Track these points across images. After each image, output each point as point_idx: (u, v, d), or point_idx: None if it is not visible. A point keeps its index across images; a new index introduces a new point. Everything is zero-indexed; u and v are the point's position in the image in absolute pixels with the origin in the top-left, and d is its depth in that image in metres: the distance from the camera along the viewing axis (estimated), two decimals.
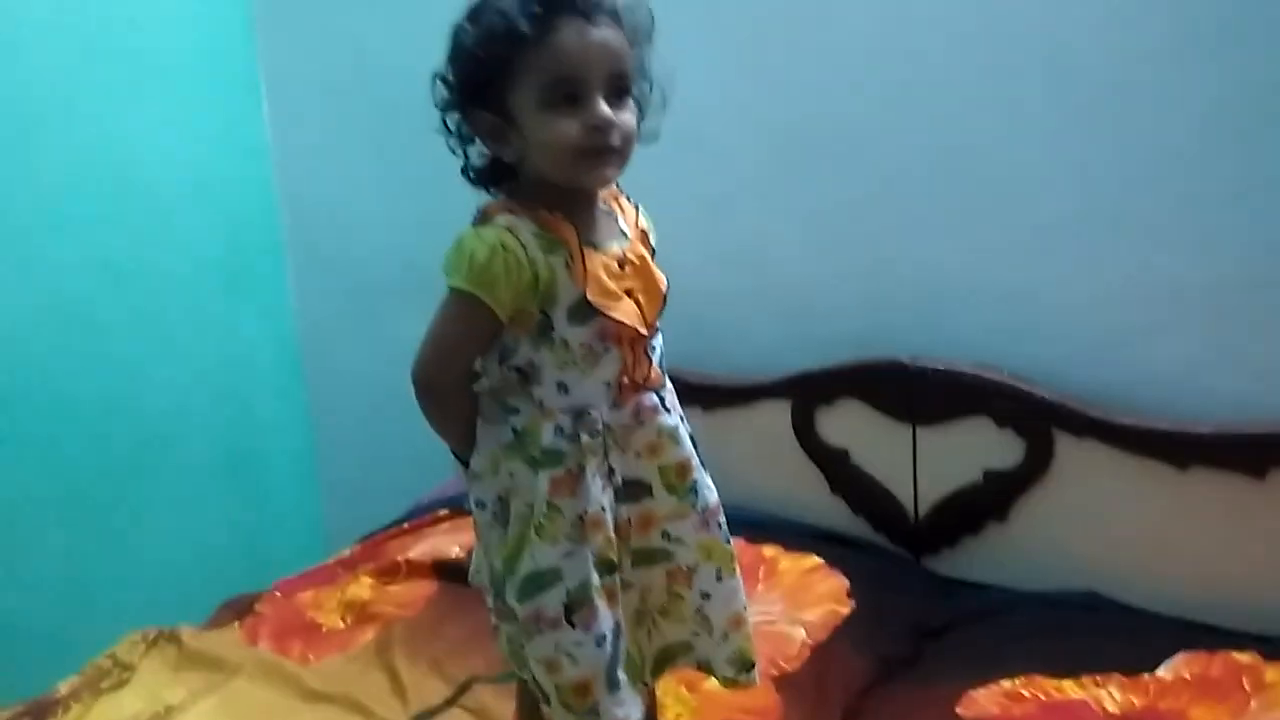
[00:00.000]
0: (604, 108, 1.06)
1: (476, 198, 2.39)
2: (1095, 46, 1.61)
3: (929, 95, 1.75)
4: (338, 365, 2.63)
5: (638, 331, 1.13)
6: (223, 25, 2.43)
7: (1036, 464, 1.71)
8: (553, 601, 1.13)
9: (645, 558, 1.20)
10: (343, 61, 2.41)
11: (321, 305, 2.62)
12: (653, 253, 1.19)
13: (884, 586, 1.76)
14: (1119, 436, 1.63)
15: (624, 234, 1.17)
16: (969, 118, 1.72)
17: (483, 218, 1.14)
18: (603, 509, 1.14)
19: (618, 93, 1.08)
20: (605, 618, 1.14)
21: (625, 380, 1.14)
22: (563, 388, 1.12)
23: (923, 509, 1.83)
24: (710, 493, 1.21)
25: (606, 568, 1.15)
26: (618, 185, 1.20)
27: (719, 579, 1.20)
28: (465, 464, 1.21)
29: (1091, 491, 1.68)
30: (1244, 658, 1.48)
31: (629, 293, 1.13)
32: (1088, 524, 1.69)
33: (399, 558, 1.98)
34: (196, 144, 2.37)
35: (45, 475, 2.13)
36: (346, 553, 2.08)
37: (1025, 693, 1.49)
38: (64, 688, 1.63)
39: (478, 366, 1.17)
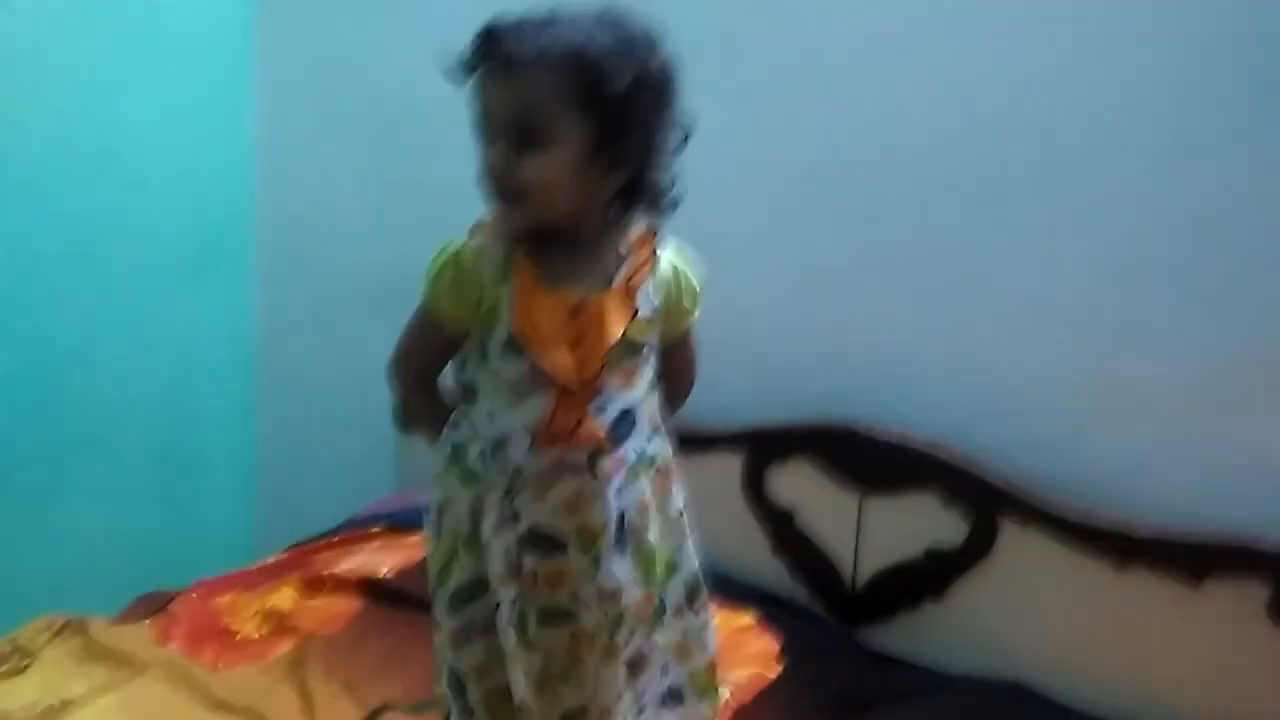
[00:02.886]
0: (494, 154, 1.06)
1: (455, 216, 2.39)
2: (1087, 145, 1.63)
3: (916, 172, 1.76)
4: (291, 368, 2.59)
5: (565, 383, 1.11)
6: (224, 13, 2.40)
7: (979, 546, 1.70)
8: (483, 611, 1.16)
9: (550, 617, 1.15)
10: (338, 65, 2.40)
11: (283, 306, 2.58)
12: (635, 313, 1.14)
13: (814, 654, 1.73)
14: (1062, 528, 1.63)
15: (607, 281, 1.13)
16: (954, 198, 1.74)
17: (471, 230, 1.14)
18: (486, 546, 1.14)
19: (524, 141, 1.05)
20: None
21: (542, 430, 1.11)
22: (490, 416, 1.13)
23: (861, 579, 1.81)
24: (612, 580, 1.14)
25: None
26: (655, 236, 1.19)
27: (600, 661, 1.17)
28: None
29: (1030, 580, 1.67)
30: None
31: (575, 342, 1.11)
32: (1023, 612, 1.68)
33: (325, 571, 1.93)
34: (180, 126, 2.34)
35: None
36: (271, 560, 2.03)
37: None
38: None
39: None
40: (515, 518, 1.13)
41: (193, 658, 1.66)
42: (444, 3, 2.17)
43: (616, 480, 1.14)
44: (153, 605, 1.81)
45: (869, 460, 1.78)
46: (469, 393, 1.15)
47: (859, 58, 1.79)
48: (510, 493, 1.12)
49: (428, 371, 1.21)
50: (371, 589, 1.88)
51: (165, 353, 2.40)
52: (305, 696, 1.59)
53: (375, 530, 2.09)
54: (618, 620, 1.15)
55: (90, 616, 1.72)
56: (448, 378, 1.21)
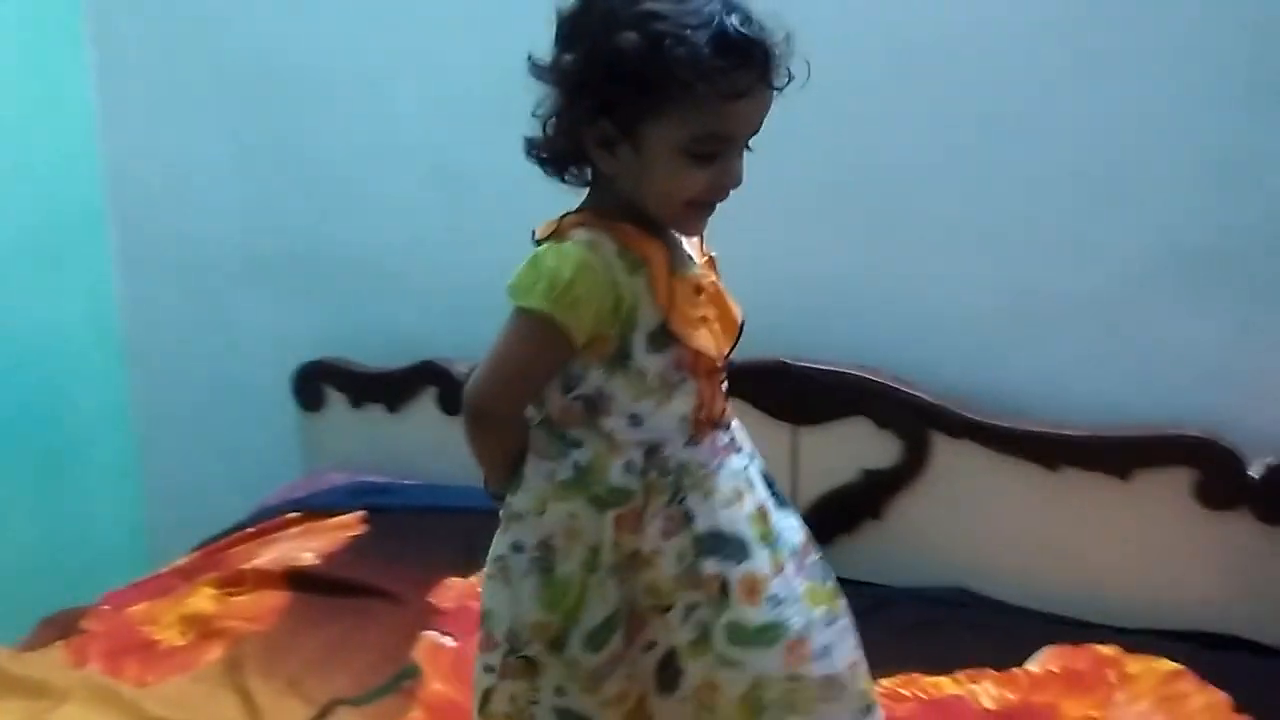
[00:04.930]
0: (739, 168, 1.02)
1: (335, 179, 2.21)
2: (994, 62, 1.63)
3: (828, 95, 1.73)
4: (165, 354, 2.41)
5: (714, 363, 1.07)
6: None
7: (913, 463, 1.73)
8: (622, 639, 1.08)
9: (752, 639, 1.06)
10: (180, 20, 2.20)
11: (147, 288, 2.38)
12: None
13: None
14: (994, 438, 1.67)
15: (692, 259, 1.10)
16: (864, 122, 1.72)
17: (557, 232, 1.04)
18: (656, 552, 1.05)
19: (746, 146, 1.03)
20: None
21: (701, 416, 1.07)
22: (635, 420, 1.05)
23: (800, 507, 1.82)
24: (794, 533, 1.12)
25: (658, 605, 1.08)
26: None
27: (828, 624, 1.10)
28: (500, 498, 1.13)
29: (965, 491, 1.71)
30: (1107, 650, 1.54)
31: (704, 321, 1.07)
32: (960, 522, 1.73)
33: (245, 566, 1.82)
34: (8, 99, 2.11)
35: None
36: (183, 560, 1.90)
37: (905, 691, 1.50)
38: None
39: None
40: (688, 519, 1.06)
41: (116, 676, 1.55)
42: None
43: (745, 446, 1.13)
44: (61, 626, 1.68)
45: (799, 393, 1.78)
46: (591, 407, 1.05)
47: None
48: (677, 494, 1.06)
49: (533, 396, 1.08)
50: (298, 579, 1.79)
51: (25, 348, 2.20)
52: (248, 701, 1.50)
53: (292, 517, 1.98)
54: (820, 563, 1.13)
55: None
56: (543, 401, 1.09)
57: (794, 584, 1.08)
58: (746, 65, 0.96)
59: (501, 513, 1.12)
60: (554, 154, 1.06)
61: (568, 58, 1.00)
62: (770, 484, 1.13)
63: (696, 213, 1.04)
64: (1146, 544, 1.62)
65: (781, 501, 1.13)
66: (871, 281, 1.77)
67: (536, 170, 1.06)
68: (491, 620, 1.12)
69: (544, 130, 1.05)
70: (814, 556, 1.13)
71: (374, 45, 2.06)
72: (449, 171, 2.06)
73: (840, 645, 1.11)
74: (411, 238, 2.12)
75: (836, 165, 1.75)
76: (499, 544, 1.12)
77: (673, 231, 1.08)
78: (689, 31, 0.94)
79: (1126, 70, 1.57)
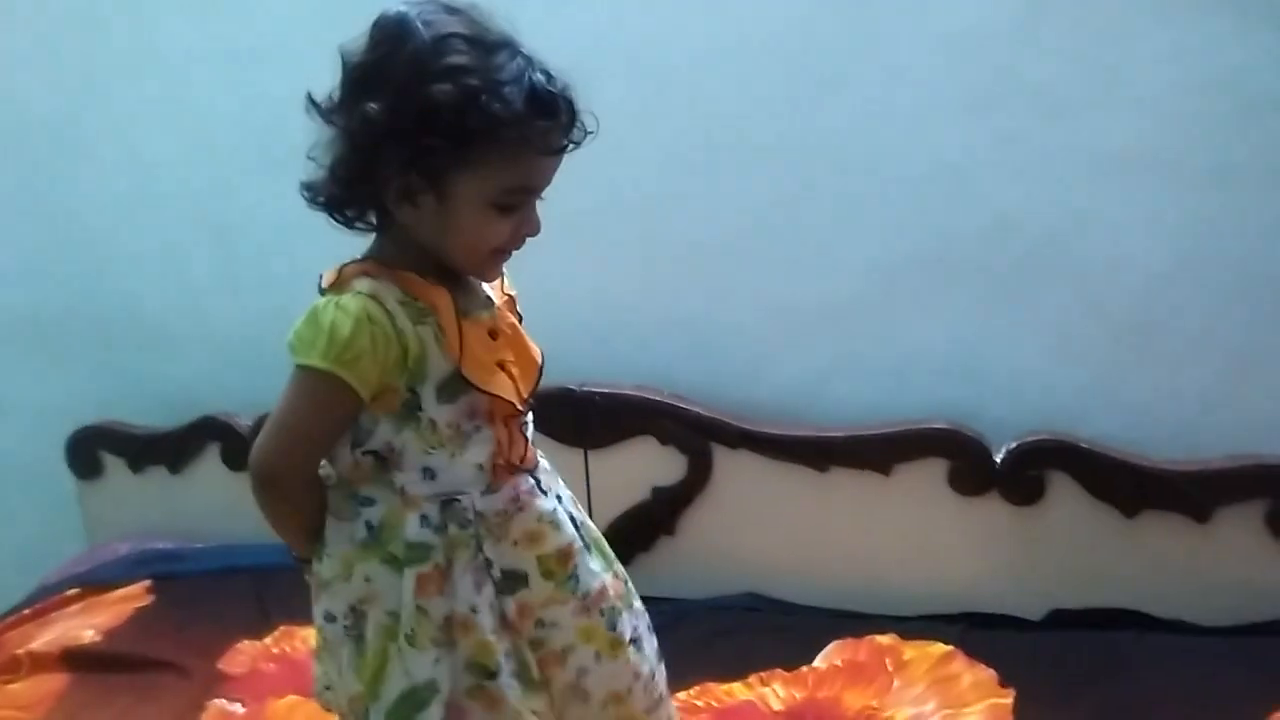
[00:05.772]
0: (537, 217, 1.02)
1: (88, 233, 2.11)
2: (740, 85, 1.69)
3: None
4: None
5: (514, 408, 1.05)
6: None
7: (698, 477, 1.78)
8: (434, 717, 1.03)
9: (535, 649, 1.10)
10: None
11: None
12: (519, 319, 1.12)
13: None
14: (767, 445, 1.74)
15: (490, 300, 1.09)
16: (613, 151, 1.73)
17: (337, 283, 1.01)
18: (474, 610, 1.04)
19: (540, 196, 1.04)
20: None
21: (500, 462, 1.05)
22: (429, 473, 1.03)
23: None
24: (593, 578, 1.11)
25: (483, 672, 1.05)
26: None
27: (597, 660, 1.12)
28: (305, 562, 1.09)
29: (747, 498, 1.77)
30: (885, 640, 1.62)
31: (502, 365, 1.05)
32: (747, 530, 1.79)
33: (19, 650, 1.73)
34: None
35: None
36: None
37: (699, 703, 1.55)
38: None
39: None
40: (488, 567, 1.05)
41: None
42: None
43: (555, 489, 1.13)
44: None
45: (587, 417, 1.80)
46: (384, 461, 1.03)
47: None
48: (478, 543, 1.04)
49: (323, 456, 1.04)
50: (77, 659, 1.71)
51: None
52: None
53: (72, 594, 1.88)
54: (613, 613, 1.13)
55: None
56: (332, 459, 1.06)
57: (569, 619, 1.10)
58: (557, 120, 0.98)
59: (309, 580, 1.10)
60: (342, 201, 1.02)
61: (372, 107, 0.95)
62: (576, 525, 1.12)
63: (497, 260, 1.05)
64: (912, 533, 1.71)
65: (586, 545, 1.13)
66: (645, 304, 1.81)
67: (304, 214, 1.00)
68: (334, 689, 1.10)
69: (332, 176, 1.00)
70: (609, 604, 1.13)
71: (125, 93, 1.99)
72: (213, 219, 2.01)
73: (600, 675, 1.12)
74: (180, 289, 2.06)
75: (606, 195, 1.78)
76: (315, 616, 1.09)
77: (467, 277, 1.07)
78: (504, 88, 0.94)
79: (855, 89, 1.64)
